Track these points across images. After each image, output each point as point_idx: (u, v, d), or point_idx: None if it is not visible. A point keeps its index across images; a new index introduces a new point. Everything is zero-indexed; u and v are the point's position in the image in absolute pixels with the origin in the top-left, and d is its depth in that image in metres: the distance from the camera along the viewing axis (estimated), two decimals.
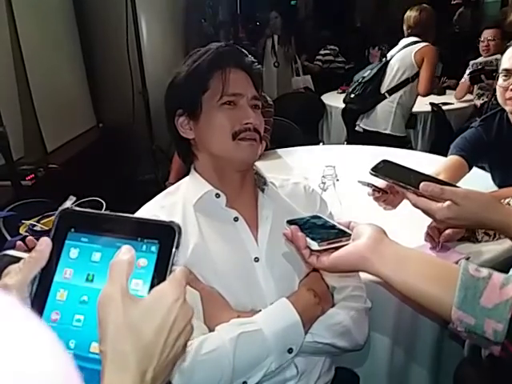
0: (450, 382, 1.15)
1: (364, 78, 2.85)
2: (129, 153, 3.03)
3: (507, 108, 1.50)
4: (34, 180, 2.10)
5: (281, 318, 0.83)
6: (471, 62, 2.88)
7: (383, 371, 1.20)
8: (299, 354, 0.86)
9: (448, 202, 0.77)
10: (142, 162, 3.06)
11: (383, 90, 2.83)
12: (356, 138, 2.87)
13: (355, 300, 0.93)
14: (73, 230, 0.48)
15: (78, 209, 0.49)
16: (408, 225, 1.23)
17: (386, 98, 2.82)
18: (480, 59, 3.19)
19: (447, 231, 1.24)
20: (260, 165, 1.03)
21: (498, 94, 1.52)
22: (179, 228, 0.47)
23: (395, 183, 0.82)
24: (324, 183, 1.28)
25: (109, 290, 0.43)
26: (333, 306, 0.91)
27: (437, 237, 1.24)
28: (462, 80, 3.34)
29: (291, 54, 4.53)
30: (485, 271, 0.62)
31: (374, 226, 0.70)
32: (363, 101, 2.86)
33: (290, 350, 0.82)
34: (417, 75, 2.74)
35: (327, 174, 1.29)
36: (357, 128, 2.97)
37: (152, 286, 0.45)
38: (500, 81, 1.49)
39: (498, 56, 1.56)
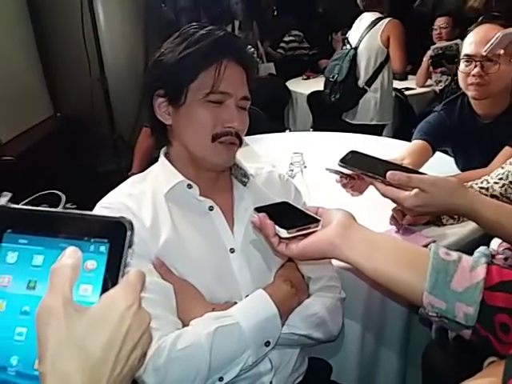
0: (418, 364, 1.17)
1: (335, 76, 2.79)
2: (89, 143, 2.92)
3: (469, 93, 1.53)
4: None
5: (258, 310, 0.81)
6: (432, 47, 2.93)
7: (354, 359, 1.21)
8: (274, 347, 0.84)
9: (415, 190, 0.78)
10: (102, 152, 2.96)
11: (361, 83, 2.79)
12: (339, 128, 2.71)
13: (330, 290, 0.92)
14: (9, 230, 0.42)
15: (14, 206, 0.43)
16: (375, 210, 1.24)
17: (366, 90, 2.78)
18: (441, 44, 3.25)
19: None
20: None
21: (460, 79, 1.54)
22: (131, 224, 0.42)
23: (363, 174, 0.82)
24: (292, 170, 1.27)
25: (48, 300, 0.38)
26: (308, 296, 0.90)
27: (401, 219, 1.26)
28: (422, 65, 3.40)
29: (253, 40, 4.48)
30: (454, 254, 0.61)
31: (342, 212, 0.68)
32: (345, 101, 2.82)
33: (267, 343, 0.81)
34: (389, 55, 2.73)
35: (295, 161, 1.28)
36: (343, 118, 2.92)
37: (104, 292, 0.41)
38: (461, 66, 1.51)
39: (458, 41, 1.58)
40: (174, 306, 0.81)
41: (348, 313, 1.16)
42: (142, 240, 0.81)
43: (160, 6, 3.63)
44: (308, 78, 4.11)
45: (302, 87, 3.69)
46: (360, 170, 0.82)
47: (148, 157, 2.22)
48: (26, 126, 2.72)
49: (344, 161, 0.83)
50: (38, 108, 2.96)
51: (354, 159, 0.83)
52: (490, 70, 1.43)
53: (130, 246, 0.42)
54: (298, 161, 1.27)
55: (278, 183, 1.01)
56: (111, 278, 0.41)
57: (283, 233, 0.66)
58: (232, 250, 0.89)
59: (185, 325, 0.80)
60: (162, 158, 0.93)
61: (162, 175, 0.90)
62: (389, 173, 0.78)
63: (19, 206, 0.43)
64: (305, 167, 1.29)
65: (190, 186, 0.89)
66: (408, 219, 1.25)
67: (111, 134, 2.84)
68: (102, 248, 0.41)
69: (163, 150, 0.94)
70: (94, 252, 0.41)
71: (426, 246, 1.20)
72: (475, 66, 1.45)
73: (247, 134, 2.60)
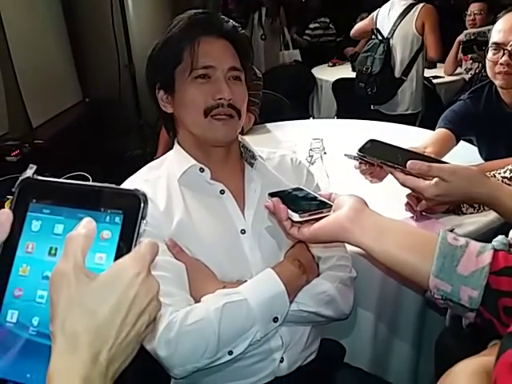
0: (431, 351, 1.17)
1: (369, 69, 2.71)
2: (116, 127, 2.99)
3: (496, 82, 1.50)
4: (20, 156, 2.07)
5: (266, 287, 0.83)
6: (465, 32, 2.84)
7: (368, 343, 1.22)
8: (284, 324, 0.87)
9: (436, 179, 0.78)
10: (129, 136, 3.02)
11: (398, 74, 2.72)
12: (367, 116, 2.64)
13: (340, 269, 0.94)
14: (34, 200, 0.45)
15: (39, 178, 0.45)
16: (394, 197, 1.24)
17: (404, 80, 2.72)
18: (474, 29, 3.16)
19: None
20: (249, 139, 1.02)
21: (488, 67, 1.51)
22: (145, 197, 0.44)
23: (383, 163, 0.82)
24: (311, 156, 1.28)
25: (61, 266, 0.40)
26: (318, 275, 0.92)
27: (415, 205, 1.25)
28: (451, 52, 3.30)
29: (279, 26, 4.45)
30: (462, 240, 0.62)
31: (354, 197, 0.70)
32: (383, 94, 2.76)
33: (275, 319, 0.83)
34: (423, 43, 2.66)
35: (314, 147, 1.28)
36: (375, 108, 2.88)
37: (117, 260, 0.43)
38: (489, 54, 1.48)
39: (491, 27, 1.54)
40: (187, 283, 0.85)
41: (362, 298, 1.17)
42: (156, 222, 0.85)
43: None
44: (334, 65, 4.07)
45: (328, 74, 3.65)
46: (379, 160, 0.82)
47: (172, 143, 2.27)
48: (57, 111, 2.80)
49: (363, 150, 0.83)
50: (68, 93, 3.04)
51: (372, 148, 0.83)
52: None
53: (143, 218, 0.44)
54: (317, 147, 1.28)
55: (289, 167, 1.03)
56: (125, 247, 0.43)
57: (295, 217, 0.69)
58: (243, 231, 0.92)
59: (197, 302, 0.83)
60: (175, 145, 0.96)
61: (175, 161, 0.94)
62: (409, 162, 0.78)
63: (43, 178, 0.45)
64: (325, 153, 1.30)
65: (202, 170, 0.92)
66: (422, 205, 1.24)
67: (138, 119, 2.89)
68: (117, 219, 0.44)
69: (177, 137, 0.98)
70: (109, 222, 0.44)
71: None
72: (503, 55, 1.41)
73: (270, 121, 2.62)
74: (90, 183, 0.45)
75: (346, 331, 1.22)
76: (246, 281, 0.86)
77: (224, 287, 0.84)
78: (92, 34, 3.00)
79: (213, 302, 0.81)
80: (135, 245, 0.43)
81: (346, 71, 3.26)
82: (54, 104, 2.82)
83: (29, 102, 2.52)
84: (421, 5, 2.63)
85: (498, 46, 1.43)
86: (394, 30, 2.70)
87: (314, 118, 3.60)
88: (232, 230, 0.91)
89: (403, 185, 0.82)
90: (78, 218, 0.43)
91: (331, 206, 0.70)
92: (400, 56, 2.71)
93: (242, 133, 2.03)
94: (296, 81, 3.67)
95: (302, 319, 0.89)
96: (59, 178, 0.47)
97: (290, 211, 0.70)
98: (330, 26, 5.05)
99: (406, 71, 2.72)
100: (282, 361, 0.90)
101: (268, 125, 2.23)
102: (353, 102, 2.96)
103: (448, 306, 0.62)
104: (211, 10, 3.94)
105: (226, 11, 4.33)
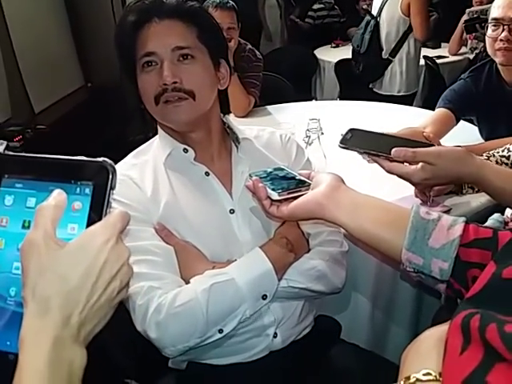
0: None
1: (359, 47, 2.72)
2: (119, 112, 2.99)
3: (497, 59, 1.48)
4: (22, 141, 2.09)
5: (253, 266, 0.84)
6: (467, 10, 2.80)
7: (365, 320, 1.23)
8: (276, 300, 0.88)
9: (422, 164, 0.78)
10: (132, 121, 3.02)
11: (384, 54, 2.70)
12: (368, 97, 2.66)
13: (331, 244, 0.94)
14: (6, 176, 0.46)
15: (9, 153, 0.47)
16: (391, 178, 1.24)
17: (391, 61, 2.70)
18: (476, 7, 3.10)
19: (437, 186, 1.24)
20: (248, 121, 1.02)
21: (488, 44, 1.49)
22: (113, 167, 0.45)
23: (366, 152, 0.81)
24: (309, 137, 1.28)
25: (31, 236, 0.41)
26: (309, 251, 0.92)
27: (428, 191, 1.25)
28: (456, 31, 3.26)
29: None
30: (435, 214, 0.63)
31: (331, 175, 0.71)
32: (369, 72, 2.76)
33: (264, 297, 0.84)
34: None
35: (311, 128, 1.28)
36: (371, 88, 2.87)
37: None
38: (489, 31, 1.46)
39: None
40: (176, 266, 0.86)
41: (359, 276, 1.19)
42: (144, 207, 0.86)
43: None
44: (337, 46, 4.03)
45: (330, 55, 3.62)
46: (362, 149, 0.81)
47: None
48: (58, 97, 2.80)
49: (344, 141, 0.82)
50: (70, 79, 3.04)
51: (354, 138, 0.82)
52: None
53: (112, 188, 0.45)
54: (314, 127, 1.28)
55: (278, 144, 1.02)
56: (95, 217, 0.44)
57: (274, 195, 0.70)
58: (232, 211, 0.92)
59: (187, 283, 0.85)
60: (159, 130, 0.96)
61: (161, 144, 0.94)
62: (393, 150, 0.78)
63: (14, 154, 0.47)
64: (322, 134, 1.30)
65: (185, 151, 0.92)
66: (435, 190, 1.24)
67: (139, 104, 2.89)
68: (87, 190, 0.45)
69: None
70: (79, 194, 0.45)
71: None
72: (503, 30, 1.40)
73: (272, 103, 2.61)
74: (60, 156, 0.46)
75: (343, 308, 1.23)
76: (235, 260, 0.87)
77: (213, 267, 0.85)
78: (92, 19, 2.99)
79: (200, 283, 0.82)
80: (105, 214, 0.44)
81: (348, 52, 3.21)
82: (56, 89, 2.82)
83: (31, 87, 2.53)
84: None
85: (498, 22, 1.42)
86: (381, 10, 2.67)
87: (316, 99, 3.58)
88: (221, 210, 0.92)
89: (390, 172, 0.82)
90: (50, 190, 0.44)
91: (310, 184, 0.71)
92: (386, 36, 2.68)
93: (243, 115, 2.03)
94: (298, 62, 3.63)
95: (293, 295, 0.90)
96: None
97: (269, 190, 0.71)
98: (335, 6, 4.96)
99: (393, 52, 2.69)
100: (275, 336, 0.92)
101: (268, 107, 2.22)
102: (355, 82, 2.94)
103: (420, 279, 0.64)
104: None
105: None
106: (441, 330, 0.45)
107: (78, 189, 0.45)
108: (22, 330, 0.40)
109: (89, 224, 0.44)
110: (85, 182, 0.45)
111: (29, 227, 0.44)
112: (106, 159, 0.45)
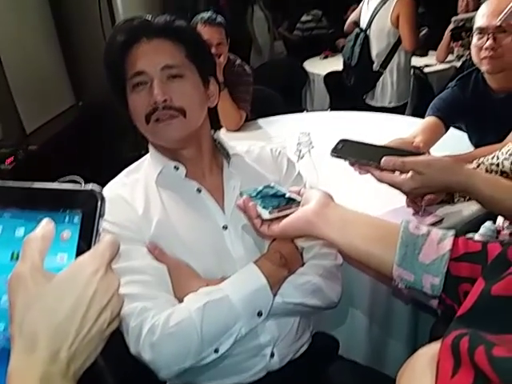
0: (426, 341, 1.19)
1: (349, 60, 2.74)
2: (111, 131, 2.99)
3: (482, 67, 1.50)
4: (14, 163, 2.08)
5: (247, 282, 0.83)
6: (453, 18, 2.83)
7: (362, 336, 1.23)
8: (271, 318, 0.87)
9: (411, 173, 0.79)
10: (124, 139, 3.02)
11: (376, 67, 2.72)
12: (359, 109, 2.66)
13: (325, 257, 0.94)
14: None
15: None
16: (383, 189, 1.25)
17: (382, 73, 2.72)
18: (462, 15, 3.15)
19: (428, 196, 1.25)
20: (240, 136, 1.02)
21: (473, 53, 1.51)
22: (101, 195, 0.44)
23: (357, 162, 0.83)
24: (299, 151, 1.28)
25: (18, 269, 0.40)
26: (303, 265, 0.92)
27: (419, 201, 1.26)
28: (444, 39, 3.29)
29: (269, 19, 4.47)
30: (424, 229, 0.64)
31: (321, 192, 0.71)
32: (361, 85, 2.79)
33: (259, 314, 0.83)
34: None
35: (302, 141, 1.29)
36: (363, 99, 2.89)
37: None
38: (474, 40, 1.48)
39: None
40: (169, 285, 0.85)
41: (356, 291, 1.18)
42: (135, 226, 0.86)
43: None
44: (326, 57, 4.06)
45: (320, 67, 3.65)
46: (354, 159, 0.82)
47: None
48: (50, 116, 2.80)
49: (336, 151, 0.84)
50: (61, 98, 3.04)
51: (345, 148, 0.84)
52: (502, 42, 1.40)
53: (101, 216, 0.44)
54: (305, 140, 1.28)
55: (269, 158, 1.02)
56: (85, 246, 0.44)
57: (265, 214, 0.70)
58: (225, 227, 0.92)
59: (181, 302, 0.84)
60: (150, 147, 0.96)
61: (151, 163, 0.94)
62: (383, 159, 0.79)
63: (1, 183, 0.46)
64: (312, 147, 1.30)
65: (176, 168, 0.92)
66: (426, 200, 1.24)
67: (131, 122, 2.89)
68: (76, 219, 0.44)
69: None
70: (68, 222, 0.44)
71: (433, 224, 1.22)
72: (488, 39, 1.42)
73: (263, 116, 2.61)
74: (48, 185, 0.45)
75: (340, 323, 1.22)
76: (229, 277, 0.86)
77: (207, 285, 0.84)
78: (82, 38, 3.00)
79: (194, 302, 0.81)
80: (95, 243, 0.44)
81: (337, 63, 3.24)
82: (48, 109, 2.82)
83: (22, 107, 2.52)
84: None
85: (482, 31, 1.43)
86: (371, 23, 2.69)
87: (307, 111, 3.60)
88: (213, 226, 0.91)
89: (380, 181, 0.83)
90: (38, 220, 0.43)
91: (299, 201, 0.71)
92: (377, 48, 2.70)
93: (235, 129, 2.03)
94: (288, 75, 3.67)
95: (289, 311, 0.89)
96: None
97: (259, 209, 0.71)
98: (323, 18, 5.02)
99: (384, 64, 2.71)
100: (272, 355, 0.91)
101: (259, 120, 2.23)
102: (345, 94, 2.97)
103: (412, 294, 0.63)
104: (202, 8, 3.94)
105: (218, 7, 4.32)
106: (434, 348, 0.44)
107: (67, 218, 0.44)
108: (9, 366, 0.39)
109: (78, 253, 0.43)
110: (74, 211, 0.44)
111: (17, 258, 0.43)
112: (94, 187, 0.45)
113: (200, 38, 0.94)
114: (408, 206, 1.28)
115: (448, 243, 0.60)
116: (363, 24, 2.75)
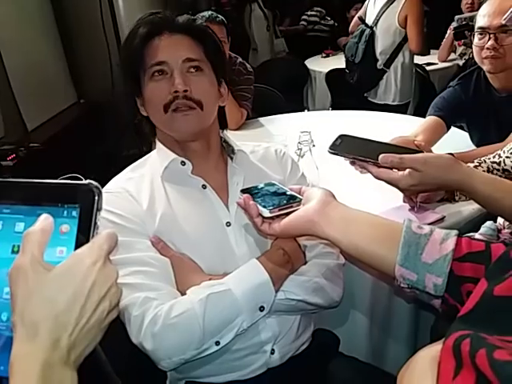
0: (428, 339, 1.19)
1: (353, 57, 2.73)
2: (112, 128, 2.99)
3: (484, 67, 1.50)
4: (16, 160, 2.08)
5: (250, 277, 0.84)
6: (456, 17, 2.83)
7: (363, 332, 1.22)
8: (273, 315, 0.88)
9: (409, 170, 0.78)
10: (125, 136, 3.02)
11: (380, 65, 2.72)
12: (361, 107, 2.63)
13: (327, 256, 0.94)
14: None
15: None
16: (383, 187, 1.25)
17: (386, 71, 2.72)
18: (464, 14, 3.14)
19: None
20: (241, 134, 1.03)
21: (475, 53, 1.51)
22: (98, 189, 0.46)
23: (355, 158, 0.82)
24: (300, 149, 1.28)
25: (18, 262, 0.42)
26: (305, 264, 0.92)
27: (415, 197, 1.26)
28: (445, 37, 3.29)
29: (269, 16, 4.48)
30: (427, 228, 0.63)
31: (322, 190, 0.71)
32: (364, 82, 2.78)
33: (261, 308, 0.83)
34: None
35: (303, 140, 1.29)
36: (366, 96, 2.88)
37: None
38: (476, 39, 1.48)
39: None
40: (172, 278, 0.86)
41: (357, 287, 1.18)
42: (140, 219, 0.87)
43: None
44: (327, 55, 4.05)
45: (321, 65, 3.64)
46: (351, 155, 0.82)
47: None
48: (52, 114, 2.81)
49: (334, 147, 0.83)
50: (62, 95, 3.04)
51: (343, 144, 0.83)
52: (504, 42, 1.40)
53: (98, 209, 0.46)
54: (305, 139, 1.29)
55: (273, 158, 1.04)
56: (83, 239, 0.45)
57: (266, 213, 0.70)
58: (228, 224, 0.92)
59: (183, 295, 0.84)
60: (157, 142, 0.97)
61: (158, 158, 0.95)
62: (381, 156, 0.78)
63: (2, 180, 0.47)
64: (313, 146, 1.30)
65: (183, 163, 0.93)
66: (422, 196, 1.25)
67: (133, 119, 2.89)
68: (74, 212, 0.46)
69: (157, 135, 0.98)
70: (67, 217, 0.46)
71: (433, 222, 1.22)
72: (489, 39, 1.42)
73: (264, 115, 2.62)
74: (47, 181, 0.46)
75: (341, 322, 1.22)
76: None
77: (210, 279, 0.85)
78: (83, 35, 3.00)
79: (197, 294, 0.81)
80: (93, 236, 0.45)
81: (339, 61, 3.24)
82: (49, 106, 2.82)
83: (23, 105, 2.53)
84: None
85: (484, 31, 1.43)
86: (378, 20, 2.69)
87: (308, 109, 3.60)
88: (217, 222, 0.92)
89: (377, 178, 0.82)
90: (37, 214, 0.45)
91: (301, 199, 0.71)
92: (382, 47, 2.69)
93: (236, 128, 2.04)
94: (289, 73, 3.66)
95: (291, 308, 0.89)
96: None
97: (260, 207, 0.71)
98: (327, 17, 5.02)
99: (388, 63, 2.70)
100: (273, 352, 0.91)
101: (261, 119, 2.23)
102: (347, 92, 2.96)
103: (415, 294, 0.63)
104: (203, 7, 3.93)
105: (218, 5, 4.32)
106: (434, 349, 0.44)
107: (66, 212, 0.46)
108: (11, 354, 0.40)
109: (77, 246, 0.45)
110: (72, 205, 0.46)
111: (18, 252, 0.45)
112: (91, 182, 0.46)
113: (217, 39, 0.96)
114: (404, 201, 1.28)
115: (451, 243, 0.60)
116: (369, 21, 2.74)
